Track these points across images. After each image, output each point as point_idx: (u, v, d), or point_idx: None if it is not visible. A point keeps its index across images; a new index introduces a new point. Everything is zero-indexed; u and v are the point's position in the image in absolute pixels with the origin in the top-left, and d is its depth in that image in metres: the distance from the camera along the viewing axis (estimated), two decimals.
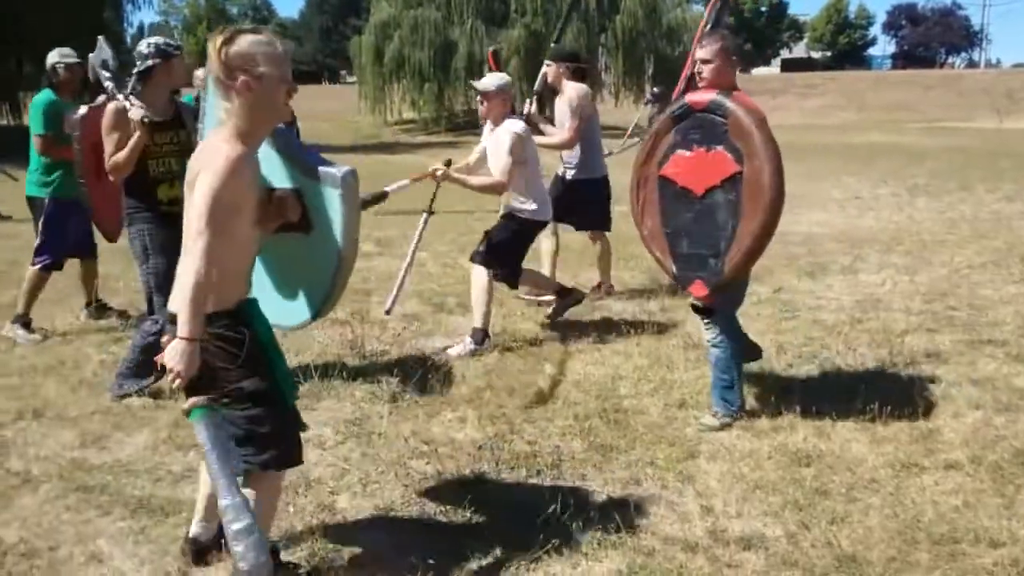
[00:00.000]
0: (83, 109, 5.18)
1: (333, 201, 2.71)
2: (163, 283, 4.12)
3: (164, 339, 2.41)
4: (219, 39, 2.42)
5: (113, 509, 3.29)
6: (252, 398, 2.52)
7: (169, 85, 4.58)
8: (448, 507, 3.30)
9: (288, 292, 2.96)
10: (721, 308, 4.02)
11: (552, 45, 6.65)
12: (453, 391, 4.55)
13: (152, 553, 2.98)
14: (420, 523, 3.21)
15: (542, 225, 5.57)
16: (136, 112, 4.31)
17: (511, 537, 3.04)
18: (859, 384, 4.52)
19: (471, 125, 30.73)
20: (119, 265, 6.86)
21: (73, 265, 5.99)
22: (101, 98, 5.20)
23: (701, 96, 3.87)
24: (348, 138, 31.04)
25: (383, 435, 3.98)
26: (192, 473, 3.47)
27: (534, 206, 5.33)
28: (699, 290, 3.94)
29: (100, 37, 5.08)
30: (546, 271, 6.26)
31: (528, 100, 6.26)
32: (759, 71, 72.85)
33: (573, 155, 6.23)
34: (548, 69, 6.19)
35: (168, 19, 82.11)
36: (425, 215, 5.52)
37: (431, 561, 2.91)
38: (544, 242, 6.28)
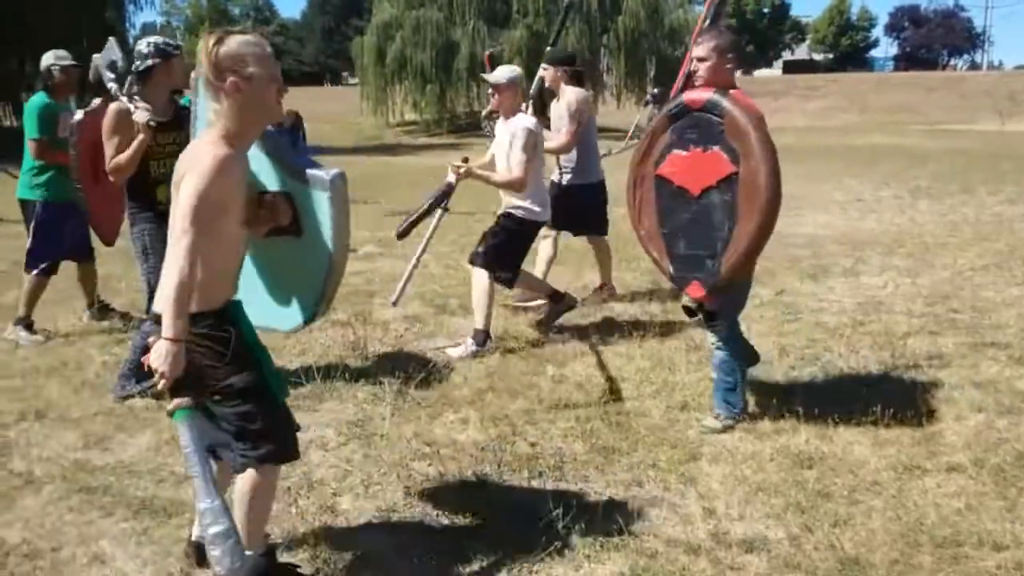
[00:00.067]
0: (79, 114, 5.18)
1: (322, 204, 2.70)
2: None
3: (150, 340, 2.40)
4: (209, 40, 2.42)
5: (116, 510, 3.29)
6: (241, 394, 2.52)
7: (169, 85, 4.57)
8: (450, 509, 3.30)
9: (280, 296, 2.95)
10: (724, 310, 4.02)
11: (548, 49, 6.62)
12: (455, 393, 4.55)
13: (155, 554, 2.99)
14: (422, 524, 3.21)
15: (540, 226, 5.55)
16: (142, 115, 4.31)
17: (513, 539, 3.04)
18: (861, 387, 4.52)
19: (473, 126, 30.73)
20: (120, 265, 6.88)
21: (73, 266, 5.97)
22: (96, 101, 5.21)
23: (698, 95, 3.83)
24: (350, 140, 31.08)
25: (385, 436, 3.98)
26: None
27: (535, 207, 5.32)
28: (696, 291, 3.91)
29: (111, 38, 5.07)
30: (539, 276, 6.22)
31: (524, 104, 6.21)
32: (761, 73, 72.91)
33: (569, 160, 6.20)
34: (545, 73, 6.17)
35: (170, 19, 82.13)
36: (440, 212, 5.50)
37: (433, 563, 2.92)
38: (543, 248, 6.25)
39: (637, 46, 32.55)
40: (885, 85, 51.51)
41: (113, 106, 4.43)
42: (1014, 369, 4.80)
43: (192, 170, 2.36)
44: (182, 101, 4.59)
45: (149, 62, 4.39)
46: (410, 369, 4.85)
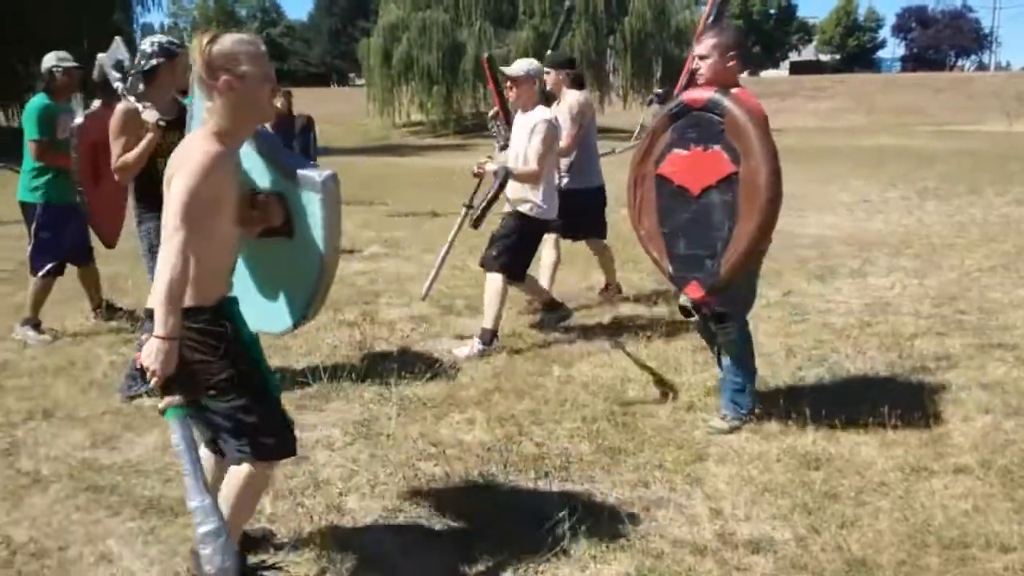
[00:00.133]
0: (80, 117, 5.18)
1: (314, 205, 2.69)
2: None
3: (142, 337, 2.39)
4: (203, 39, 2.42)
5: (123, 509, 3.30)
6: (236, 389, 2.51)
7: (174, 85, 4.56)
8: (456, 509, 3.30)
9: (270, 298, 2.93)
10: (734, 311, 4.01)
11: (549, 52, 6.58)
12: (461, 393, 4.55)
13: (162, 554, 2.99)
14: (428, 524, 3.21)
15: (548, 224, 5.51)
16: (151, 114, 4.32)
17: (519, 539, 3.04)
18: (868, 388, 4.52)
19: (479, 127, 30.77)
20: (127, 265, 6.90)
21: (74, 267, 5.95)
22: (96, 103, 5.21)
23: (698, 94, 3.80)
24: (357, 140, 31.15)
25: (391, 436, 3.98)
26: None
27: (544, 204, 5.31)
28: (695, 292, 3.88)
29: (117, 38, 5.07)
30: (544, 283, 6.16)
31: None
32: (767, 73, 72.82)
33: (568, 163, 6.17)
34: (547, 76, 6.12)
35: (177, 21, 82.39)
36: (464, 209, 5.56)
37: (439, 562, 2.92)
38: (545, 253, 6.19)
39: (643, 47, 32.56)
40: (892, 86, 51.40)
41: (121, 105, 4.44)
42: (1021, 370, 4.79)
43: (183, 167, 2.36)
44: (185, 100, 4.60)
45: (154, 61, 4.39)
46: (416, 369, 4.85)
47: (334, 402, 4.45)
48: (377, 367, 4.95)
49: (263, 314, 2.87)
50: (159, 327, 2.29)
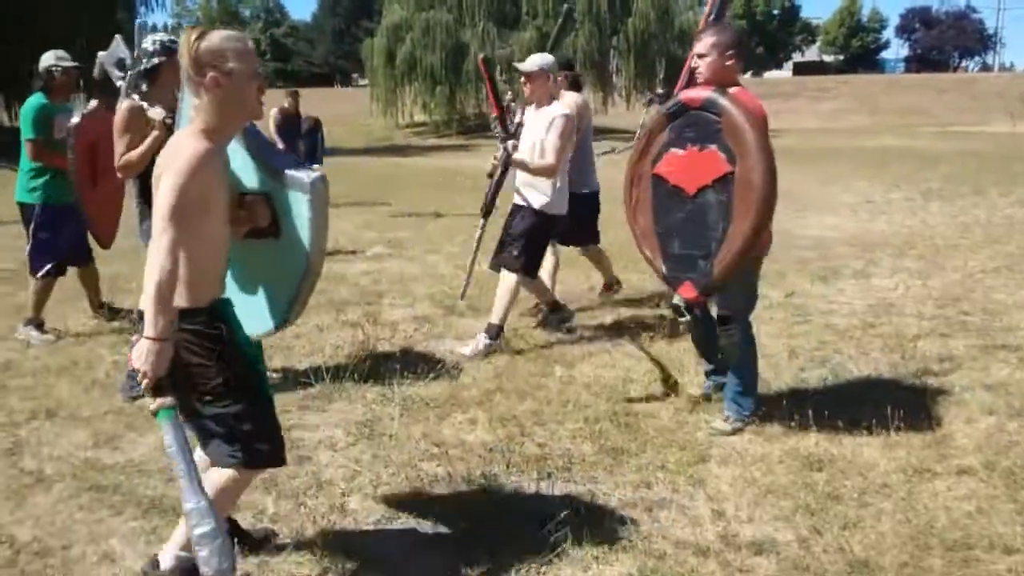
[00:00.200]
0: (76, 117, 5.16)
1: (302, 207, 2.68)
2: None
3: (133, 338, 2.38)
4: (191, 35, 2.41)
5: (125, 509, 3.30)
6: (232, 394, 2.49)
7: (176, 83, 4.55)
8: (459, 509, 3.30)
9: (253, 299, 2.89)
10: (737, 313, 4.01)
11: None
12: (464, 393, 4.55)
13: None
14: (431, 525, 3.21)
15: (559, 220, 5.45)
16: (158, 112, 4.31)
17: (521, 539, 3.04)
18: (871, 389, 4.51)
19: (482, 128, 30.78)
20: (129, 265, 6.90)
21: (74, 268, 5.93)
22: (93, 103, 5.20)
23: (696, 93, 3.79)
24: (360, 141, 31.15)
25: (394, 437, 3.98)
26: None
27: (556, 200, 5.30)
28: (688, 292, 3.87)
29: (117, 36, 5.07)
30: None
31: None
32: (771, 74, 72.79)
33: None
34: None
35: (180, 21, 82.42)
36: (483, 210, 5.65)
37: (441, 563, 2.92)
38: (545, 258, 6.18)
39: (647, 48, 32.53)
40: (896, 87, 51.33)
41: (125, 103, 4.44)
42: None
43: (171, 166, 2.34)
44: None
45: (155, 60, 4.38)
46: (419, 370, 4.86)
47: (337, 402, 4.45)
48: (380, 367, 4.95)
49: (245, 316, 2.84)
50: (149, 328, 2.27)
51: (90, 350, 5.37)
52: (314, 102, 12.03)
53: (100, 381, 4.76)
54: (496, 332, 5.26)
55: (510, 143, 5.29)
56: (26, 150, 5.50)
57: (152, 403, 2.34)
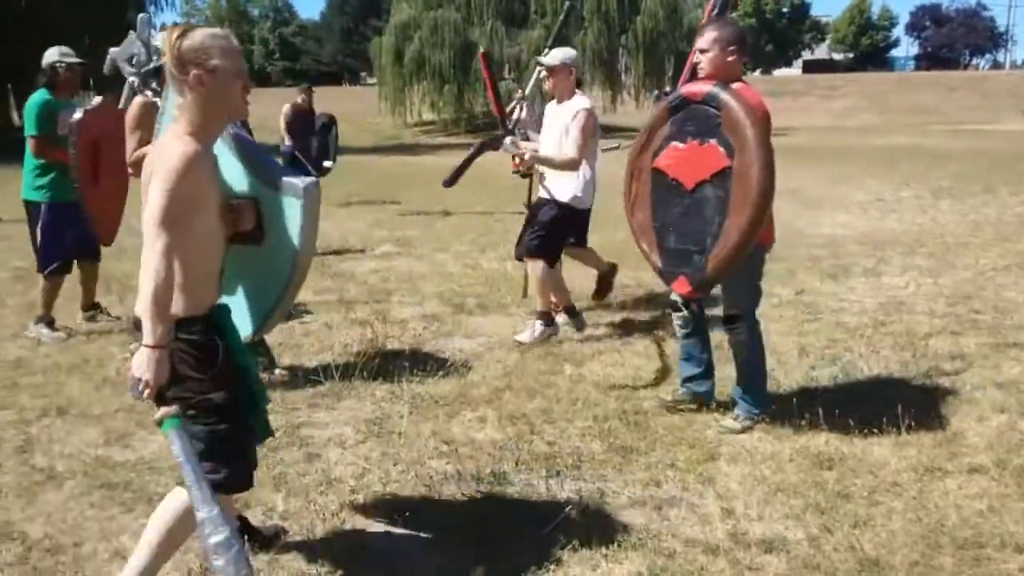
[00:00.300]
0: (79, 113, 5.15)
1: (294, 212, 2.66)
2: None
3: (132, 347, 2.32)
4: (173, 34, 2.36)
5: (136, 506, 3.32)
6: (219, 411, 2.40)
7: None
8: (468, 507, 3.31)
9: (232, 304, 2.81)
10: (743, 311, 3.99)
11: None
12: (473, 391, 4.55)
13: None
14: (440, 522, 3.21)
15: (583, 214, 5.45)
16: None
17: (530, 537, 3.04)
18: (882, 387, 4.50)
19: (490, 126, 30.76)
20: (137, 264, 6.91)
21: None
22: (97, 99, 5.20)
23: (697, 87, 3.78)
24: (369, 140, 31.22)
25: (403, 435, 3.99)
26: None
27: (581, 194, 5.30)
28: (682, 287, 3.86)
29: (132, 32, 5.08)
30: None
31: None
32: (780, 72, 72.58)
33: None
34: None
35: (190, 20, 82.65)
36: (525, 208, 5.74)
37: (451, 560, 2.92)
38: None
39: (655, 46, 32.46)
40: (906, 85, 51.13)
41: (137, 99, 4.45)
42: None
43: (160, 169, 2.27)
44: None
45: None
46: (428, 368, 4.86)
47: (346, 400, 4.46)
48: (389, 365, 4.95)
49: None
50: (148, 336, 2.22)
51: (101, 348, 5.39)
52: (323, 101, 12.01)
53: (111, 379, 4.78)
54: (548, 318, 5.34)
55: (507, 139, 5.31)
56: (29, 147, 5.49)
57: (156, 413, 2.30)
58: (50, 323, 5.66)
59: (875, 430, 3.88)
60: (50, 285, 5.63)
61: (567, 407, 4.32)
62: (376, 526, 3.19)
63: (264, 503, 3.31)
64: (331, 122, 11.58)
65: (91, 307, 6.04)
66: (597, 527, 3.08)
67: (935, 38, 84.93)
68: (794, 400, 4.20)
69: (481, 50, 6.39)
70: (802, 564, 2.88)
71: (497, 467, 3.63)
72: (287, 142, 10.73)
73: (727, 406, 4.16)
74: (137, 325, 2.33)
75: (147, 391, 2.25)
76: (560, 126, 5.23)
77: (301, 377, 4.75)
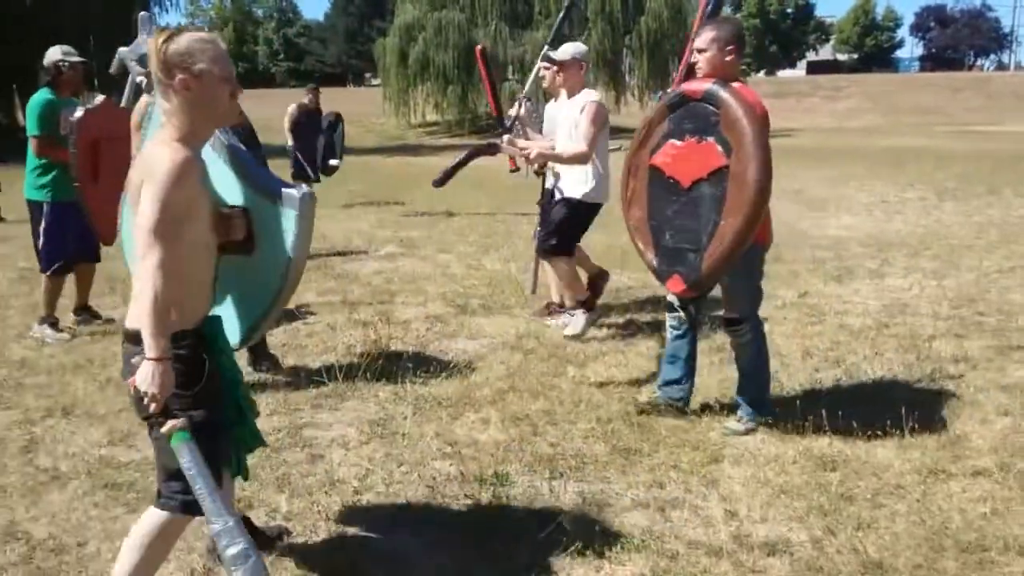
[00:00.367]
0: (79, 112, 5.15)
1: (288, 222, 2.65)
2: None
3: (134, 360, 2.27)
4: (159, 38, 2.33)
5: (140, 506, 3.31)
6: (199, 429, 2.31)
7: None
8: (471, 508, 3.31)
9: (222, 312, 2.79)
10: (740, 313, 3.99)
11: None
12: (476, 393, 4.55)
13: (177, 551, 2.99)
14: (443, 524, 3.21)
15: (598, 208, 5.41)
16: None
17: (533, 539, 3.04)
18: (885, 389, 4.49)
19: (494, 127, 30.75)
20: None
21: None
22: (99, 99, 5.20)
23: (697, 85, 3.77)
24: (374, 140, 31.24)
25: (407, 436, 3.99)
26: None
27: (594, 189, 5.27)
28: (676, 286, 3.85)
29: (142, 32, 5.08)
30: (553, 295, 6.17)
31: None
32: (784, 73, 72.50)
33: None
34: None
35: (194, 20, 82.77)
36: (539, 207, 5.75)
37: (453, 561, 2.92)
38: (549, 267, 6.15)
39: (660, 47, 32.44)
40: (910, 86, 51.06)
41: (144, 99, 4.45)
42: None
43: (150, 178, 2.22)
44: None
45: None
46: (431, 369, 4.87)
47: (349, 401, 4.46)
48: (392, 366, 4.96)
49: None
50: (150, 349, 2.18)
51: (105, 348, 5.40)
52: (327, 101, 12.03)
53: (115, 379, 4.78)
54: (588, 304, 5.27)
55: (504, 137, 5.32)
56: (31, 146, 5.48)
57: (164, 426, 2.25)
58: (54, 323, 5.67)
59: (879, 432, 3.87)
60: (52, 285, 5.64)
61: (570, 408, 4.32)
62: (379, 527, 3.19)
63: (267, 504, 3.32)
64: (338, 120, 11.56)
65: (83, 309, 6.02)
66: (600, 529, 3.09)
67: (940, 39, 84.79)
68: (798, 402, 4.20)
69: (478, 46, 6.38)
70: (805, 566, 2.88)
71: (500, 468, 3.63)
72: (290, 143, 10.76)
73: (731, 408, 4.16)
74: (128, 336, 2.30)
75: (153, 405, 2.21)
76: (571, 121, 5.22)
77: (304, 378, 4.75)
